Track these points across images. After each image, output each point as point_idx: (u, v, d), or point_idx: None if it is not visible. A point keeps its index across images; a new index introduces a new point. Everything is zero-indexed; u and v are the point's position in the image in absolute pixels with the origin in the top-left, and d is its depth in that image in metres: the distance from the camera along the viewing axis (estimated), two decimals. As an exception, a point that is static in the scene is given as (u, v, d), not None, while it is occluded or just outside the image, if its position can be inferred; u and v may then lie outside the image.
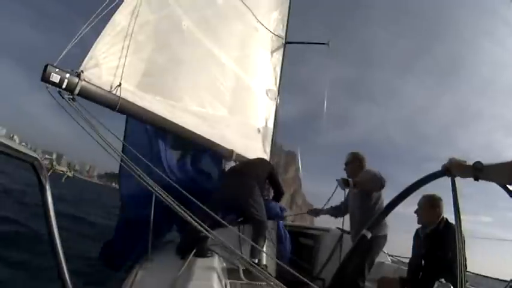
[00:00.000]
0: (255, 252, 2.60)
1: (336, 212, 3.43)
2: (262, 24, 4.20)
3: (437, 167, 1.36)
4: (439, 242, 2.34)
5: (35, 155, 0.96)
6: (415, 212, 2.60)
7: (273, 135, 4.50)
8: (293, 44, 5.02)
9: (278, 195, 3.47)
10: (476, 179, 1.23)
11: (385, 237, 2.78)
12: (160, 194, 1.75)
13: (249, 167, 3.13)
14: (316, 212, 3.68)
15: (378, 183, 2.74)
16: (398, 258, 3.64)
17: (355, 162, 3.09)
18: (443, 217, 2.49)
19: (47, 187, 1.00)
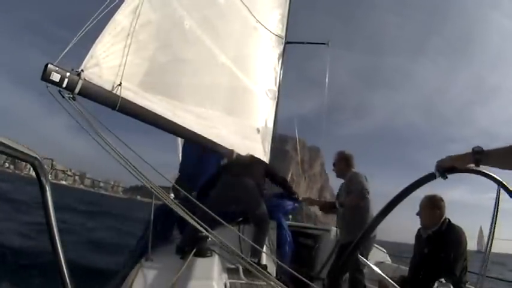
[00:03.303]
0: (255, 252, 2.60)
1: (331, 209, 3.47)
2: (261, 24, 4.20)
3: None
4: (442, 244, 2.34)
5: (35, 154, 0.95)
6: (417, 214, 2.59)
7: (273, 135, 4.49)
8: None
9: (284, 187, 3.42)
10: (477, 164, 1.21)
11: (375, 237, 2.90)
12: (158, 193, 1.76)
13: (245, 167, 3.12)
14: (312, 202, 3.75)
15: (362, 197, 2.80)
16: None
17: (341, 162, 3.15)
18: (445, 218, 2.48)
19: (47, 187, 1.00)
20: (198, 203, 2.01)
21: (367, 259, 2.85)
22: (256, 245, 2.47)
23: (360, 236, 1.85)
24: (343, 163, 3.14)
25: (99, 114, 1.96)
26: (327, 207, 3.45)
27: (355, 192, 2.86)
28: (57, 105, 1.81)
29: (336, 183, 3.32)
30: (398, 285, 2.57)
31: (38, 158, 0.96)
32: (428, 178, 1.35)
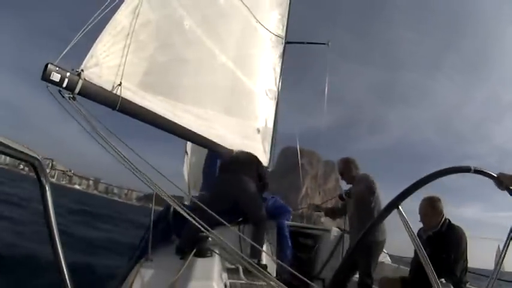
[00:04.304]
0: (255, 252, 2.59)
1: (335, 215, 3.46)
2: (261, 24, 4.20)
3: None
4: (442, 245, 2.34)
5: (35, 155, 0.95)
6: (419, 212, 2.58)
7: (273, 135, 4.50)
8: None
9: (261, 186, 3.17)
10: None
11: (384, 241, 2.86)
12: (159, 190, 1.77)
13: (238, 162, 3.09)
14: (317, 208, 3.70)
15: (370, 191, 2.78)
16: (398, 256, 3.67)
17: (349, 168, 3.08)
18: (445, 218, 2.48)
19: (47, 187, 0.99)
20: (198, 202, 2.01)
21: (376, 263, 2.84)
22: (255, 245, 2.47)
23: (373, 221, 1.81)
24: (351, 168, 3.08)
25: (100, 119, 1.96)
26: (331, 213, 3.45)
27: (364, 186, 2.83)
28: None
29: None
30: (398, 287, 2.58)
31: (38, 158, 0.96)
32: (463, 169, 1.32)
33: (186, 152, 4.89)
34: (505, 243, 1.37)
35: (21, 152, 0.90)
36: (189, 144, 4.82)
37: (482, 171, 1.34)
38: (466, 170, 1.31)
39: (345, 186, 3.18)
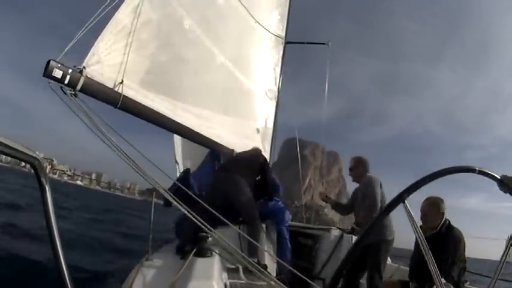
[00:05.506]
0: (252, 251, 2.59)
1: (343, 210, 3.44)
2: (260, 25, 4.20)
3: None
4: (440, 246, 2.33)
5: (35, 155, 0.94)
6: (421, 211, 2.57)
7: (272, 135, 4.50)
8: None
9: (269, 192, 3.18)
10: None
11: (393, 240, 2.85)
12: (163, 189, 1.77)
13: (236, 162, 3.08)
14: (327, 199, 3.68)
15: (372, 213, 2.75)
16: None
17: (359, 167, 3.13)
18: (446, 219, 2.47)
19: (47, 187, 0.99)
20: (200, 200, 2.01)
21: (385, 262, 2.84)
22: (252, 245, 2.46)
23: (378, 215, 1.81)
24: (361, 168, 3.11)
25: (108, 114, 1.98)
26: (339, 207, 3.44)
27: (367, 206, 2.85)
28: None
29: (353, 189, 3.29)
30: None
31: (38, 158, 0.96)
32: (468, 169, 1.31)
33: (177, 161, 4.85)
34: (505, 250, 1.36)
35: (21, 152, 0.90)
36: (178, 152, 4.78)
37: (486, 172, 1.33)
38: (471, 170, 1.31)
39: (348, 180, 3.23)
